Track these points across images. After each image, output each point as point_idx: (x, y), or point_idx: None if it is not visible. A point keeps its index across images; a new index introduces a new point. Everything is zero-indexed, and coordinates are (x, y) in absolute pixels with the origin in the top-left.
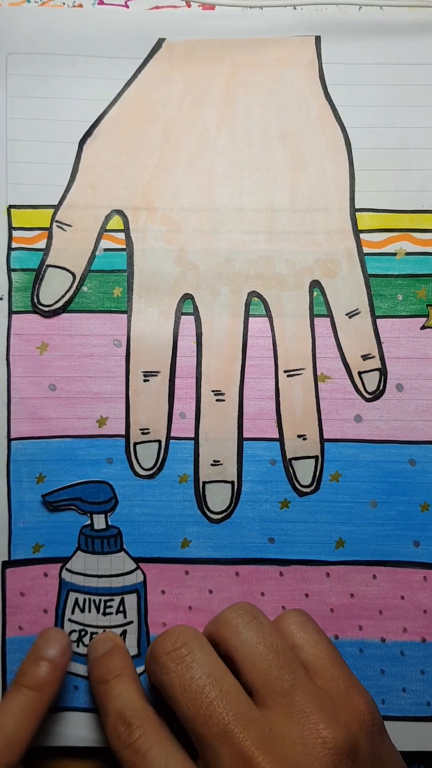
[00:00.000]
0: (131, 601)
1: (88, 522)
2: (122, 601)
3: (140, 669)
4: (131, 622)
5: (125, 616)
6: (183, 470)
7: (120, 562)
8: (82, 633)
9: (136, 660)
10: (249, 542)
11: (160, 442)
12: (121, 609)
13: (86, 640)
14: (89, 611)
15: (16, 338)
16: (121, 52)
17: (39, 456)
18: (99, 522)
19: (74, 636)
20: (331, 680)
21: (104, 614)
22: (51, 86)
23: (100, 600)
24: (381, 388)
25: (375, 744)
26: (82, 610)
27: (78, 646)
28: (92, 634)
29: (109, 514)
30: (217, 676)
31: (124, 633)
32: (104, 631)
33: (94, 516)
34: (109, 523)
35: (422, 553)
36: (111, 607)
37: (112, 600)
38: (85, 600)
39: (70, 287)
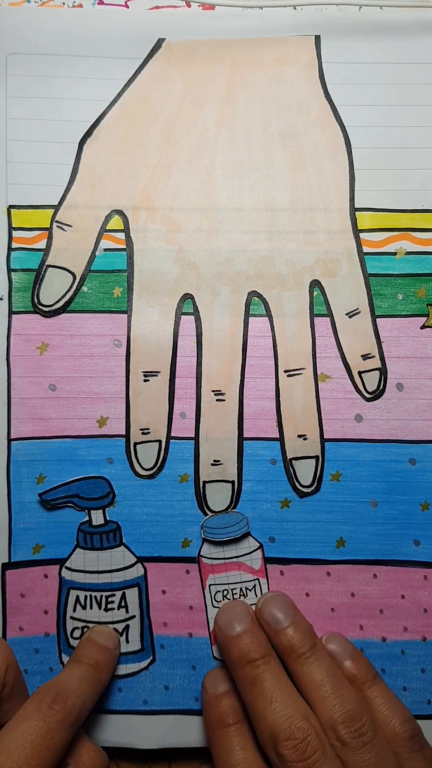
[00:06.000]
0: (132, 595)
1: (87, 519)
2: (123, 596)
3: (142, 665)
4: (133, 617)
5: (127, 611)
6: (183, 470)
7: (120, 557)
8: (85, 630)
9: (139, 655)
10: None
11: (160, 441)
12: (123, 604)
13: None
14: (91, 608)
15: (17, 338)
16: (121, 52)
17: (39, 456)
18: (97, 518)
19: (77, 633)
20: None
21: (106, 610)
22: (51, 86)
23: (101, 596)
24: (381, 387)
25: None
26: (84, 607)
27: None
28: None
29: (107, 509)
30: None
31: (126, 628)
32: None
33: (92, 512)
34: (108, 518)
35: (422, 552)
36: (113, 602)
37: (114, 595)
38: (86, 597)
39: (70, 287)
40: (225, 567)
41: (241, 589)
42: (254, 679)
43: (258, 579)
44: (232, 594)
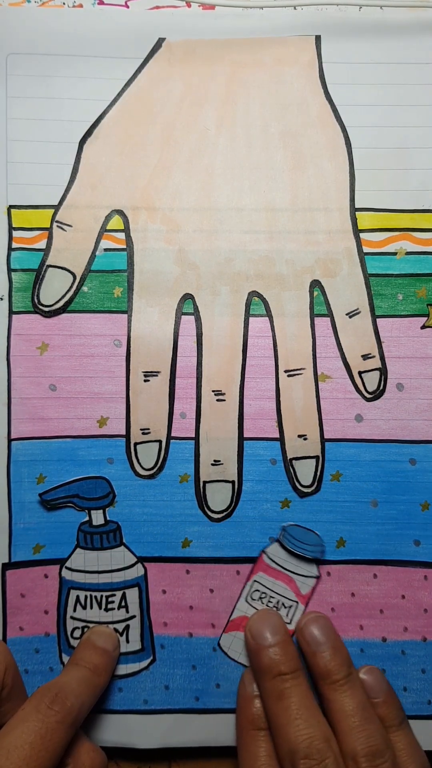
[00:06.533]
0: (133, 595)
1: (87, 519)
2: (124, 596)
3: (142, 665)
4: (134, 617)
5: (127, 611)
6: (183, 470)
7: (120, 557)
8: (85, 630)
9: (139, 655)
10: (250, 541)
11: (160, 442)
12: (123, 604)
13: None
14: (91, 608)
15: (17, 338)
16: (121, 52)
17: (39, 456)
18: (97, 518)
19: (77, 633)
20: None
21: (106, 610)
22: (51, 86)
23: (101, 596)
24: (381, 387)
25: None
26: (84, 607)
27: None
28: None
29: (107, 509)
30: None
31: (126, 628)
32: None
33: (92, 512)
34: (108, 518)
35: (423, 552)
36: (113, 602)
37: (114, 595)
38: (86, 597)
39: (71, 287)
40: (278, 574)
41: (278, 602)
42: (281, 693)
43: (297, 603)
44: (269, 601)
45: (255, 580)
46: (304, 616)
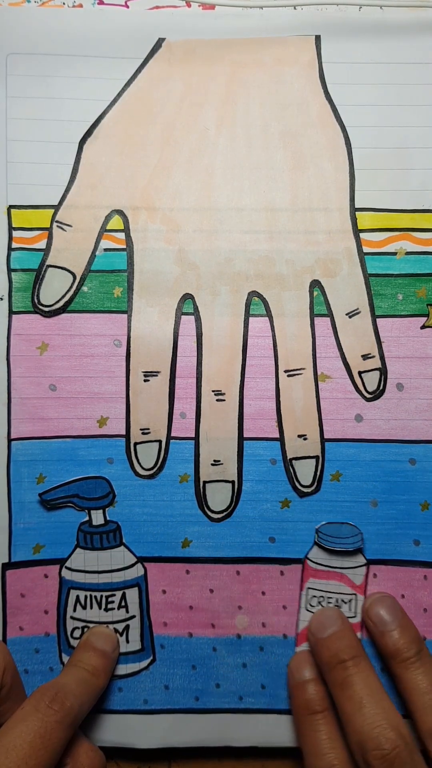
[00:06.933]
0: (133, 595)
1: (87, 519)
2: (124, 596)
3: (142, 665)
4: (133, 617)
5: (127, 611)
6: (183, 470)
7: (120, 557)
8: (85, 630)
9: (139, 655)
10: (250, 541)
11: (160, 442)
12: (123, 604)
13: None
14: (91, 608)
15: (17, 338)
16: (121, 52)
17: (39, 456)
18: (97, 518)
19: (77, 633)
20: None
21: (106, 610)
22: (51, 86)
23: (101, 596)
24: (381, 387)
25: None
26: (84, 607)
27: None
28: None
29: (107, 509)
30: None
31: (126, 628)
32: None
33: (92, 512)
34: (108, 518)
35: (422, 551)
36: (113, 602)
37: (114, 595)
38: (86, 597)
39: (70, 287)
40: (328, 575)
41: (337, 600)
42: (344, 681)
43: (356, 595)
44: (328, 602)
45: (308, 588)
46: (368, 598)
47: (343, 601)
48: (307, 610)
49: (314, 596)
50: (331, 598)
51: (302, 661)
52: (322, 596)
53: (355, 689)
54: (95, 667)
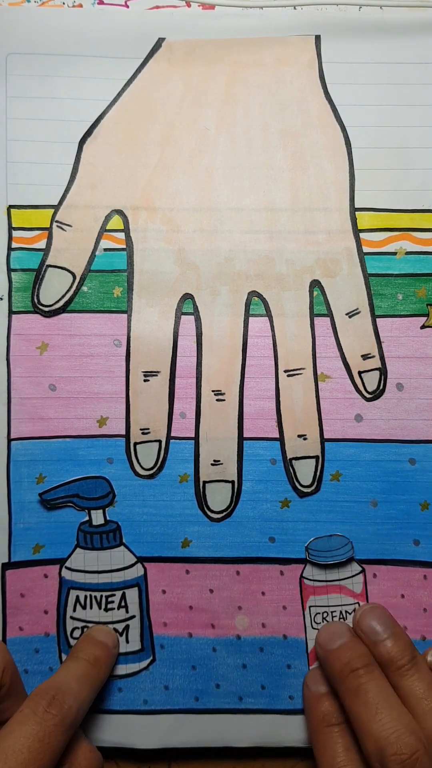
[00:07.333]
0: (132, 595)
1: (87, 518)
2: (123, 596)
3: (142, 665)
4: (133, 617)
5: (127, 611)
6: (183, 470)
7: (120, 557)
8: (85, 630)
9: (139, 655)
10: (249, 541)
11: (160, 441)
12: (123, 604)
13: None
14: (91, 608)
15: (16, 338)
16: (121, 52)
17: (39, 456)
18: (97, 517)
19: (77, 633)
20: None
21: (106, 610)
22: (51, 86)
23: (101, 596)
24: (381, 387)
25: None
26: (84, 607)
27: None
28: None
29: (107, 509)
30: None
31: (126, 628)
32: None
33: (92, 512)
34: (108, 518)
35: (422, 551)
36: (113, 602)
37: (114, 595)
38: (86, 597)
39: (70, 287)
40: (326, 590)
41: (341, 612)
42: (357, 689)
43: (358, 603)
44: (332, 616)
45: (310, 606)
46: (357, 610)
47: (347, 612)
48: (313, 628)
49: (318, 613)
50: (334, 612)
51: (319, 675)
52: (326, 611)
53: (370, 696)
54: (96, 657)
